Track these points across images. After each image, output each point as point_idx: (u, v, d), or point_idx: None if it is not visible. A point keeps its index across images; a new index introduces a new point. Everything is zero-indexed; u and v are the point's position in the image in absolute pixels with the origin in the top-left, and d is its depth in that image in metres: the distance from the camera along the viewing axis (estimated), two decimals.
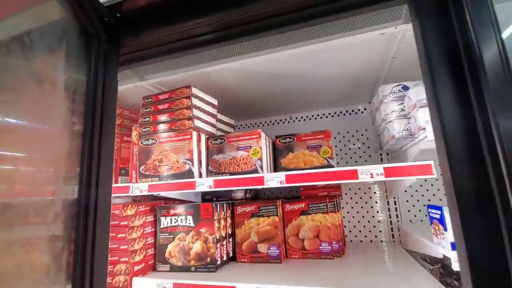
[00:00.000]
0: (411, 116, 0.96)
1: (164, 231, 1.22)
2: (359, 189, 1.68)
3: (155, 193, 1.10)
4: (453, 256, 0.78)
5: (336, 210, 1.33)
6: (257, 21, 0.93)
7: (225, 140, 1.17)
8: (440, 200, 1.54)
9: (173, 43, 1.03)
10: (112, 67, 1.00)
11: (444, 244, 0.83)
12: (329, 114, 1.82)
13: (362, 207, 1.66)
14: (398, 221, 1.59)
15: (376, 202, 1.64)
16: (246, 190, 1.67)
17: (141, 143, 1.18)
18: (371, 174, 0.86)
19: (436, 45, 0.66)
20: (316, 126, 1.82)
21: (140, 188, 1.12)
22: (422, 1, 0.70)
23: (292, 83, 1.38)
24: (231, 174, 1.13)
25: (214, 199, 1.64)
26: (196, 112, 1.15)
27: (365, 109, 1.73)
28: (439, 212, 0.84)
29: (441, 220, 0.83)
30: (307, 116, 1.87)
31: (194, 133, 1.12)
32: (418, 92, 0.88)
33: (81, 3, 0.85)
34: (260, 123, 1.96)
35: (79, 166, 0.85)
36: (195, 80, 1.23)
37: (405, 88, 1.04)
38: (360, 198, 1.67)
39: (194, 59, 1.18)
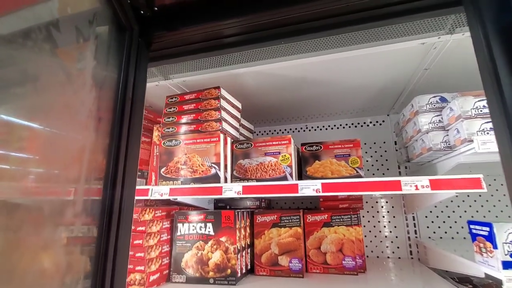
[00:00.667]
0: (452, 128, 0.93)
1: (180, 238, 1.15)
2: (376, 202, 1.64)
3: (175, 198, 1.04)
4: (505, 275, 0.74)
5: (359, 223, 1.28)
6: (291, 24, 0.91)
7: (251, 144, 1.12)
8: (461, 217, 1.51)
9: (203, 42, 1.00)
10: (143, 62, 0.96)
11: (491, 262, 0.79)
12: (346, 124, 1.79)
13: (379, 221, 1.61)
14: (416, 237, 1.55)
15: (394, 217, 1.59)
16: (260, 198, 1.61)
17: (164, 143, 1.12)
18: (416, 186, 0.82)
19: (502, 49, 0.63)
20: (333, 136, 1.79)
21: (161, 191, 1.05)
22: (483, 5, 0.68)
23: (316, 90, 1.36)
24: (257, 180, 1.08)
25: (228, 207, 1.57)
26: (224, 115, 1.10)
27: (383, 121, 1.72)
28: (487, 229, 0.80)
29: (490, 238, 0.79)
30: (323, 126, 1.84)
31: (222, 136, 1.07)
32: (463, 104, 0.86)
33: None
34: (275, 130, 1.92)
35: (105, 165, 0.79)
36: (220, 82, 1.19)
37: (443, 100, 1.02)
38: (377, 212, 1.63)
39: (221, 60, 1.14)
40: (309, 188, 0.91)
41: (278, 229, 1.23)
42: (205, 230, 1.13)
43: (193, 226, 1.14)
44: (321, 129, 1.84)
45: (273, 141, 1.10)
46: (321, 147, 1.21)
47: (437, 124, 1.01)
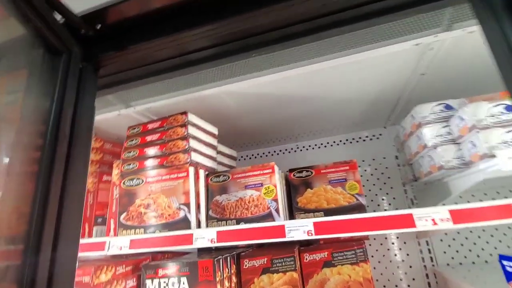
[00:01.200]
0: (465, 140, 0.77)
1: None
2: None
3: (139, 251, 0.84)
4: None
5: (365, 259, 1.07)
6: (261, 33, 0.77)
7: (229, 176, 0.94)
8: (480, 237, 1.31)
9: (163, 61, 0.85)
10: (88, 89, 0.79)
11: None
12: (341, 141, 1.63)
13: (388, 249, 1.40)
14: (433, 265, 1.34)
15: (405, 243, 1.39)
16: None
17: (124, 183, 0.94)
18: (433, 220, 0.64)
19: None
20: (327, 155, 1.62)
21: (119, 244, 0.85)
22: None
23: (301, 108, 1.20)
24: (238, 220, 0.89)
25: (213, 247, 1.36)
26: (193, 144, 0.93)
27: (380, 134, 1.56)
28: None
29: None
30: (315, 145, 1.67)
31: (191, 169, 0.89)
32: (475, 111, 0.70)
33: (42, 14, 0.66)
34: (263, 153, 1.74)
35: (27, 220, 0.60)
36: (191, 106, 1.03)
37: (449, 107, 0.86)
38: (385, 238, 1.42)
39: (190, 81, 0.99)
40: (298, 230, 0.72)
41: (269, 275, 1.01)
42: (178, 287, 0.92)
43: (165, 282, 0.93)
44: (313, 148, 1.67)
45: (253, 171, 0.92)
46: (312, 173, 1.03)
47: (445, 137, 0.84)
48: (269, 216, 0.85)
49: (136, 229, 0.88)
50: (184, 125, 0.93)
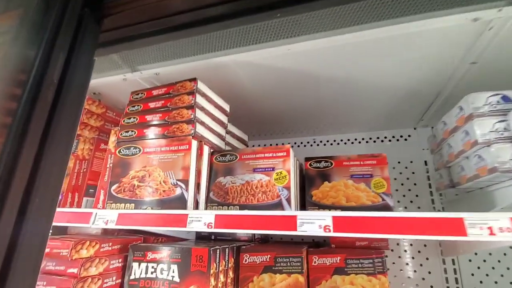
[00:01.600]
0: None
1: (134, 284, 0.82)
2: (403, 239, 1.28)
3: (125, 227, 0.73)
4: None
5: (384, 270, 0.92)
6: None
7: (236, 156, 0.82)
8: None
9: (178, 15, 0.74)
10: (86, 40, 0.69)
11: None
12: (363, 139, 1.47)
13: (407, 264, 1.24)
14: (458, 287, 1.17)
15: (428, 259, 1.22)
16: None
17: (119, 152, 0.84)
18: (491, 229, 0.49)
19: None
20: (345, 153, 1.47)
21: (106, 217, 0.75)
22: None
23: (325, 92, 1.06)
24: (241, 207, 0.76)
25: (213, 237, 1.25)
26: (199, 115, 0.81)
27: (409, 135, 1.40)
28: None
29: None
30: (334, 140, 1.52)
31: (194, 143, 0.77)
32: None
33: None
34: (276, 144, 1.61)
35: None
36: (203, 76, 0.92)
37: (507, 99, 0.71)
38: (405, 250, 1.26)
39: (202, 45, 0.87)
40: (313, 224, 0.59)
41: (271, 275, 0.89)
42: (167, 275, 0.81)
43: (153, 268, 0.82)
44: (331, 144, 1.52)
45: (265, 152, 0.80)
46: (331, 164, 0.90)
47: (502, 134, 0.69)
48: (278, 206, 0.73)
49: (126, 203, 0.78)
50: (191, 92, 0.82)
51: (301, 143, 1.58)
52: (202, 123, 0.82)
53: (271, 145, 1.59)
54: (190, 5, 0.72)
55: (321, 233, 0.58)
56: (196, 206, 0.76)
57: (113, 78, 1.02)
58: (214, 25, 0.74)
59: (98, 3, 0.72)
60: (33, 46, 0.59)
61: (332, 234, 0.57)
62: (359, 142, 1.47)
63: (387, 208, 0.80)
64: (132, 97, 0.93)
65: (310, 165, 0.91)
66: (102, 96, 1.13)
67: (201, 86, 0.85)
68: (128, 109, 0.90)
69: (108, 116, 1.08)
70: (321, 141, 1.54)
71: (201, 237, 1.28)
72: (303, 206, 0.89)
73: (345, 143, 1.50)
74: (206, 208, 0.79)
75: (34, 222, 0.51)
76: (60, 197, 0.85)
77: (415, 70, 0.91)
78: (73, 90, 0.63)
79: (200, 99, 0.83)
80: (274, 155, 0.79)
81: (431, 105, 1.15)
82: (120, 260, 0.85)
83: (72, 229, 1.10)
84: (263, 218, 0.62)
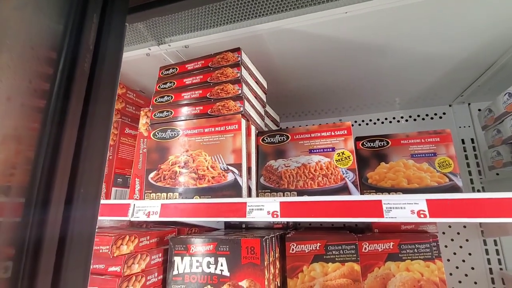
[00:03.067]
0: None
1: (178, 280, 0.75)
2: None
3: (172, 219, 0.65)
4: None
5: (440, 255, 0.87)
6: None
7: (288, 136, 0.73)
8: None
9: None
10: (115, 7, 0.58)
11: None
12: (394, 118, 1.40)
13: (446, 246, 1.20)
14: (501, 269, 1.13)
15: (467, 240, 1.18)
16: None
17: (154, 135, 0.73)
18: None
19: None
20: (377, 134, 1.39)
21: (148, 209, 0.66)
22: None
23: (365, 65, 0.96)
24: (300, 192, 0.68)
25: (243, 226, 1.18)
26: (246, 91, 0.71)
27: (444, 113, 1.32)
28: None
29: None
30: (362, 120, 1.44)
31: (244, 122, 0.68)
32: None
33: None
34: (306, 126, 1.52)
35: (32, 167, 0.41)
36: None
37: None
38: (443, 233, 1.21)
39: (243, 7, 0.76)
40: (403, 209, 0.51)
41: (323, 264, 0.82)
42: (215, 269, 0.73)
43: (198, 261, 0.74)
44: (359, 124, 1.44)
45: (321, 131, 0.71)
46: (388, 143, 0.81)
47: None
48: (344, 190, 0.65)
49: (169, 192, 0.69)
50: (236, 64, 0.71)
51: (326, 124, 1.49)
52: (248, 100, 0.72)
53: (300, 126, 1.50)
54: None
55: (415, 219, 0.50)
56: (249, 193, 0.68)
57: (135, 53, 0.90)
58: None
59: None
60: (65, 9, 0.48)
61: (428, 219, 0.49)
62: (390, 122, 1.40)
63: (456, 189, 0.73)
64: (162, 73, 0.81)
65: (363, 144, 0.83)
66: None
67: (245, 58, 0.75)
68: (159, 86, 0.79)
69: (128, 98, 0.97)
70: (356, 121, 1.46)
71: (230, 226, 1.21)
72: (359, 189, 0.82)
73: (374, 123, 1.42)
74: (257, 195, 0.70)
75: (81, 211, 0.43)
76: None
77: (475, 36, 0.82)
78: (109, 58, 0.53)
79: (245, 73, 0.73)
80: (333, 133, 0.70)
81: (478, 78, 1.06)
82: (160, 255, 0.77)
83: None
84: (341, 204, 0.54)
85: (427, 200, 0.50)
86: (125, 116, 0.94)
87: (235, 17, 0.78)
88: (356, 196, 0.56)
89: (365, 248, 0.86)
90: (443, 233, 1.21)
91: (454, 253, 1.18)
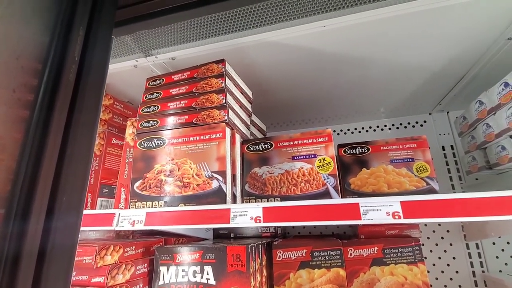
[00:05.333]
0: None
1: None
2: (425, 225, 1.26)
3: (157, 228, 0.65)
4: None
5: (423, 258, 0.89)
6: None
7: (271, 144, 0.76)
8: None
9: None
10: (104, 14, 0.61)
11: None
12: (377, 127, 1.44)
13: (431, 251, 1.22)
14: (483, 271, 1.16)
15: (451, 244, 1.21)
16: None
17: (140, 144, 0.75)
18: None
19: None
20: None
21: (133, 217, 0.66)
22: None
23: (348, 76, 1.01)
24: (283, 198, 0.70)
25: (232, 235, 1.18)
26: (230, 100, 0.74)
27: (424, 121, 1.38)
28: None
29: None
30: (348, 129, 1.48)
31: (228, 131, 0.70)
32: None
33: None
34: None
35: (12, 177, 0.42)
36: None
37: None
38: (428, 238, 1.24)
39: (228, 21, 0.79)
40: (379, 211, 0.53)
41: (309, 270, 0.83)
42: (201, 278, 0.73)
43: (184, 270, 0.74)
44: (345, 133, 1.48)
45: (304, 138, 0.74)
46: (368, 149, 0.85)
47: None
48: (325, 195, 0.67)
49: (154, 200, 0.69)
50: (220, 75, 0.74)
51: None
52: (233, 109, 0.75)
53: None
54: None
55: (390, 220, 0.52)
56: (234, 200, 0.69)
57: (122, 65, 0.92)
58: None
59: None
60: (51, 20, 0.50)
61: (402, 221, 0.52)
62: (374, 130, 1.44)
63: (433, 192, 0.76)
64: (149, 84, 0.83)
65: (345, 151, 0.86)
66: (107, 86, 1.03)
67: (229, 69, 0.78)
68: (146, 97, 0.81)
69: (116, 108, 0.98)
70: (334, 131, 1.50)
71: (219, 236, 1.21)
72: (342, 195, 0.84)
73: (359, 132, 1.47)
74: (242, 202, 0.72)
75: (63, 222, 0.44)
76: None
77: (448, 48, 0.87)
78: (94, 70, 0.55)
79: (229, 84, 0.75)
80: (315, 140, 0.73)
81: (453, 88, 1.12)
82: (145, 265, 0.76)
83: None
84: (320, 208, 0.56)
85: (401, 202, 0.53)
86: (112, 127, 0.94)
87: (220, 30, 0.81)
88: (335, 200, 0.58)
89: (351, 254, 0.88)
90: (428, 238, 1.24)
91: (439, 258, 1.21)
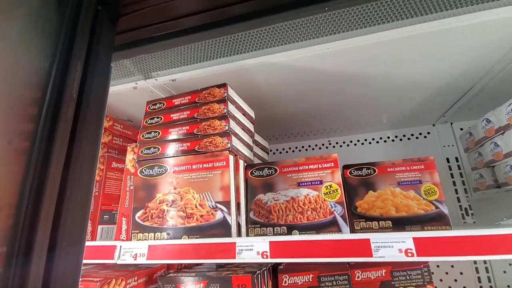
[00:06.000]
0: None
1: None
2: None
3: (160, 262, 0.63)
4: None
5: (431, 280, 0.87)
6: None
7: (276, 169, 0.74)
8: None
9: (199, 14, 0.65)
10: (103, 43, 0.59)
11: None
12: (381, 138, 1.43)
13: (438, 266, 1.21)
14: (491, 286, 1.14)
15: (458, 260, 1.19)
16: None
17: (141, 172, 0.73)
18: None
19: None
20: (364, 154, 1.42)
21: (135, 250, 0.64)
22: None
23: (355, 92, 0.99)
24: (289, 227, 0.68)
25: None
26: (233, 126, 0.72)
27: (428, 133, 1.36)
28: None
29: None
30: (351, 141, 1.47)
31: (231, 158, 0.68)
32: None
33: None
34: (299, 147, 1.53)
35: (13, 214, 0.40)
36: (225, 80, 0.82)
37: None
38: None
39: (230, 44, 0.78)
40: (391, 248, 0.51)
41: None
42: None
43: None
44: (348, 145, 1.47)
45: (309, 164, 0.72)
46: (375, 171, 0.83)
47: None
48: (333, 224, 0.65)
49: (156, 232, 0.67)
50: (222, 100, 0.72)
51: (315, 145, 1.51)
52: (236, 135, 0.73)
53: (296, 148, 1.52)
54: (218, 1, 0.63)
55: (402, 258, 0.50)
56: (238, 230, 0.67)
57: (121, 87, 0.90)
58: (244, 23, 0.65)
59: (113, 2, 0.62)
60: (47, 53, 0.48)
61: (415, 259, 0.50)
62: (377, 142, 1.43)
63: (441, 216, 0.74)
64: (149, 107, 0.81)
65: (351, 173, 0.84)
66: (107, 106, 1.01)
67: (231, 92, 0.76)
68: (146, 121, 0.79)
69: (115, 130, 0.96)
70: (336, 143, 1.48)
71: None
72: (349, 219, 0.82)
73: (362, 144, 1.45)
74: (247, 231, 0.69)
75: (65, 260, 0.42)
76: None
77: (453, 66, 0.86)
78: (93, 103, 0.53)
79: (232, 108, 0.73)
80: (320, 166, 0.71)
81: (458, 101, 1.11)
82: None
83: None
84: (329, 243, 0.54)
85: (413, 238, 0.51)
86: (112, 149, 0.92)
87: (222, 52, 0.79)
88: (345, 235, 0.56)
89: (358, 277, 0.86)
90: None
91: (446, 273, 1.19)
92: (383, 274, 0.85)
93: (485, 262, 1.16)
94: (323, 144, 1.50)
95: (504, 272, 1.14)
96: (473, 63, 0.85)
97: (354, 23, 0.69)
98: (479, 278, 1.15)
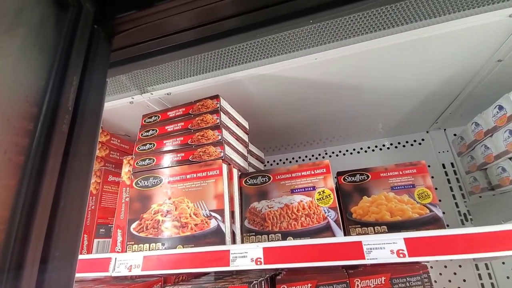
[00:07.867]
0: None
1: None
2: None
3: (155, 272, 0.63)
4: None
5: (432, 286, 0.86)
6: None
7: (269, 177, 0.75)
8: None
9: (194, 29, 0.68)
10: (99, 61, 0.61)
11: None
12: (376, 146, 1.44)
13: (440, 274, 1.19)
14: None
15: (460, 266, 1.17)
16: None
17: (136, 184, 0.74)
18: None
19: None
20: (360, 163, 1.43)
21: (130, 262, 0.64)
22: None
23: (345, 101, 1.02)
24: (284, 234, 0.68)
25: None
26: (226, 135, 0.74)
27: (422, 139, 1.38)
28: None
29: None
30: (346, 150, 1.48)
31: (225, 167, 0.69)
32: None
33: None
34: (295, 158, 1.54)
35: (5, 228, 0.41)
36: (218, 93, 0.85)
37: None
38: (436, 260, 1.21)
39: (223, 57, 0.81)
40: (383, 249, 0.52)
41: None
42: None
43: None
44: (344, 154, 1.48)
45: (302, 171, 0.73)
46: (368, 176, 0.84)
47: None
48: (327, 229, 0.65)
49: (152, 243, 0.67)
50: (215, 111, 0.74)
51: (312, 155, 1.52)
52: (229, 144, 0.74)
53: (292, 158, 1.53)
54: (209, 17, 0.67)
55: (395, 259, 0.50)
56: (233, 238, 0.67)
57: (118, 102, 0.93)
58: (234, 37, 0.68)
59: (109, 19, 0.65)
60: (45, 68, 0.50)
61: (408, 259, 0.50)
62: (373, 150, 1.44)
63: (436, 220, 0.74)
64: (145, 120, 0.84)
65: (344, 179, 0.85)
66: (104, 121, 1.03)
67: (224, 103, 0.78)
68: (142, 134, 0.80)
69: (112, 144, 0.97)
70: (333, 152, 1.50)
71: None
72: (342, 224, 0.82)
73: (358, 152, 1.46)
74: (242, 239, 0.70)
75: (57, 276, 0.42)
76: None
77: (443, 69, 0.88)
78: (88, 117, 0.55)
79: (224, 119, 0.76)
80: (313, 172, 0.72)
81: (448, 107, 1.13)
82: None
83: None
84: (322, 247, 0.54)
85: (404, 238, 0.51)
86: (108, 163, 0.94)
87: (215, 65, 0.82)
88: (337, 238, 0.56)
89: (357, 285, 0.85)
90: (436, 260, 1.20)
91: (449, 281, 1.17)
92: (383, 282, 0.84)
93: (487, 267, 1.15)
94: (319, 154, 1.51)
95: (507, 277, 1.13)
96: (458, 69, 0.88)
97: (339, 33, 0.72)
98: (482, 284, 1.13)
